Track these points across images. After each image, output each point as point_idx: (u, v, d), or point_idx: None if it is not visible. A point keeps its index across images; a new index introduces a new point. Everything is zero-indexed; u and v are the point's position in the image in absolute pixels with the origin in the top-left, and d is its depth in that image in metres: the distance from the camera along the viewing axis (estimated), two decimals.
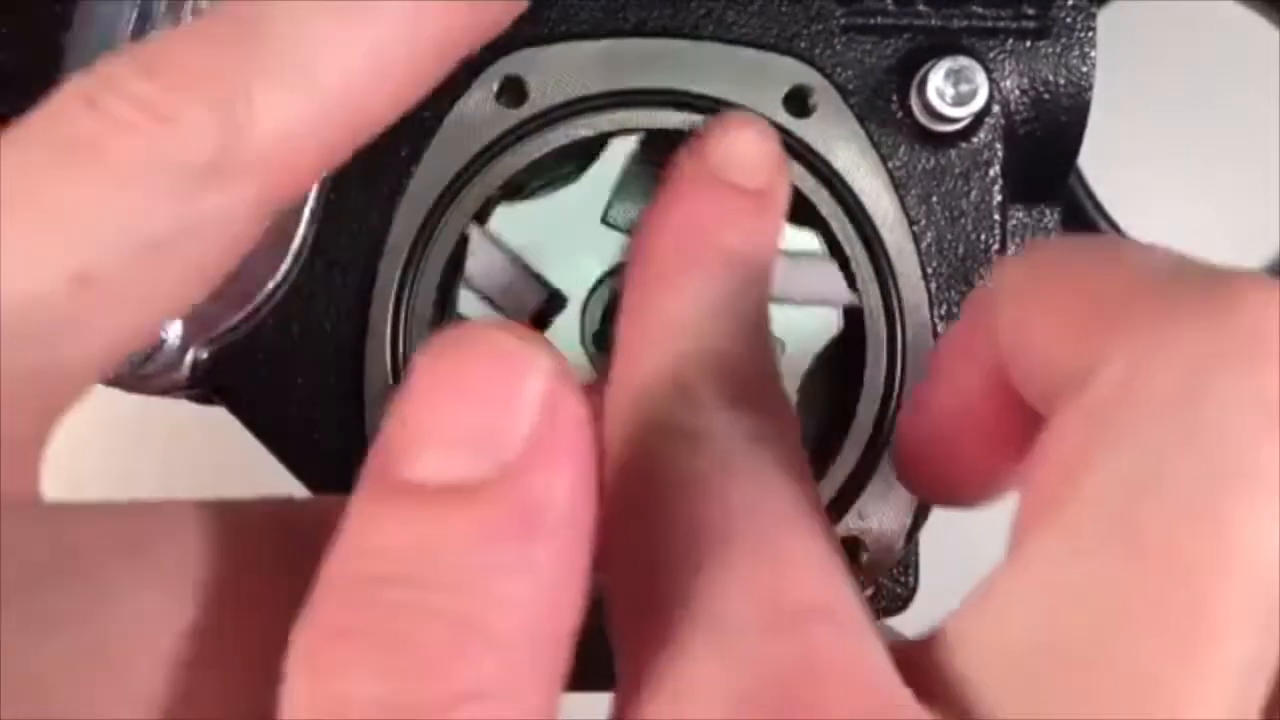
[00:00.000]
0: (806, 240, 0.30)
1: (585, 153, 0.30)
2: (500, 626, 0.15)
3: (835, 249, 0.30)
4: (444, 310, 0.30)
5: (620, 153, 0.30)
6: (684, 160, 0.26)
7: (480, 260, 0.29)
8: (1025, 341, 0.19)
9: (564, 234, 0.29)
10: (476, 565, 0.15)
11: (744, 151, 0.26)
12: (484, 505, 0.15)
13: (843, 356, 0.31)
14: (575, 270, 0.29)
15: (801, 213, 0.30)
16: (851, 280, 0.30)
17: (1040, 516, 0.17)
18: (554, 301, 0.29)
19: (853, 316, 0.30)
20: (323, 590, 0.16)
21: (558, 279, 0.29)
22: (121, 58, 0.19)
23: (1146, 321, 0.17)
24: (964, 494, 0.24)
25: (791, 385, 0.29)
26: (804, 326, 0.30)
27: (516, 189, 0.30)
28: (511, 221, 0.29)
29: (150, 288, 0.18)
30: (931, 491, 0.25)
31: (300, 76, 0.19)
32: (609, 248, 0.29)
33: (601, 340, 0.30)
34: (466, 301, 0.29)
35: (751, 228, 0.25)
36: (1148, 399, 0.16)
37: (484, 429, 0.16)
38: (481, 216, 0.29)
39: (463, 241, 0.29)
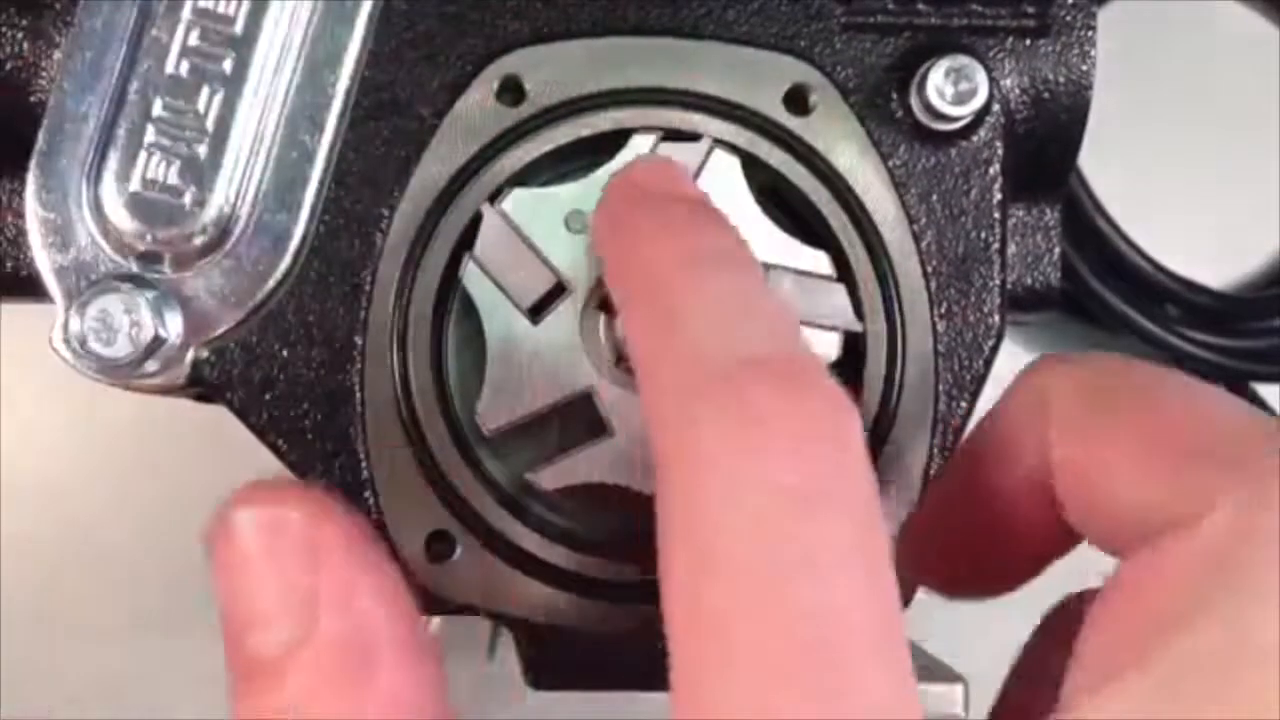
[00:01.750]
0: (818, 262, 0.29)
1: (591, 149, 0.30)
2: None
3: (836, 250, 0.29)
4: (443, 309, 0.29)
5: (640, 149, 0.29)
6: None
7: (490, 240, 0.29)
8: (1099, 479, 0.19)
9: (574, 224, 0.29)
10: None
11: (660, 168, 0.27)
12: (304, 669, 0.18)
13: (841, 359, 0.31)
14: (580, 261, 0.29)
15: (814, 231, 0.29)
16: (859, 306, 0.29)
17: (1128, 654, 0.17)
18: (557, 290, 0.29)
19: (850, 343, 0.29)
20: None
21: (563, 267, 0.29)
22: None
23: (1265, 471, 0.17)
24: (971, 587, 0.23)
25: None
26: None
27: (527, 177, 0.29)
28: (526, 207, 0.29)
29: None
30: (940, 582, 0.25)
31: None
32: None
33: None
34: (473, 279, 0.29)
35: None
36: (1267, 547, 0.16)
37: (278, 599, 0.18)
38: (494, 199, 0.29)
39: (475, 221, 0.29)
